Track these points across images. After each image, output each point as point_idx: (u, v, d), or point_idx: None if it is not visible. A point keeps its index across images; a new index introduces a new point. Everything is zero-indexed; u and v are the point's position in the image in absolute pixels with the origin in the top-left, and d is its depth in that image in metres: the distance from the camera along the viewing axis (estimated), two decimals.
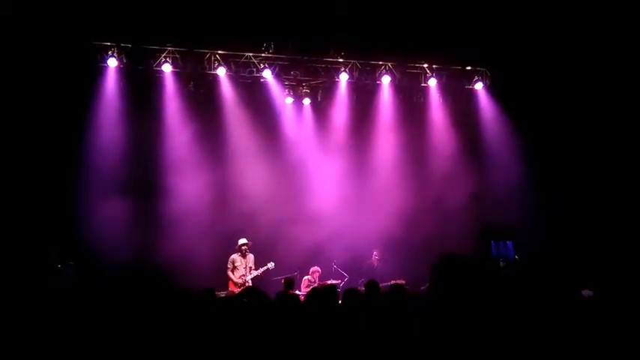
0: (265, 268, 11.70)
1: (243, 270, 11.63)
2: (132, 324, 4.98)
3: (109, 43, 12.07)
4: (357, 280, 11.98)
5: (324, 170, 13.30)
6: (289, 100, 13.50)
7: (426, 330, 2.65)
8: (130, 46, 12.21)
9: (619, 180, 11.88)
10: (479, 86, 13.59)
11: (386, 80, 13.29)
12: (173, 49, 12.37)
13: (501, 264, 8.98)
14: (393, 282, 11.06)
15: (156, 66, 12.36)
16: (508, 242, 8.83)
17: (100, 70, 12.15)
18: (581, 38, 11.40)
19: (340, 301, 6.34)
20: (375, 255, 12.56)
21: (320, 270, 11.94)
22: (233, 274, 11.61)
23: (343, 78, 13.11)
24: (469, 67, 13.62)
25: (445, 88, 13.72)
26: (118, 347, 4.67)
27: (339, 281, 11.51)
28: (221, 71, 12.61)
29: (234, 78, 12.93)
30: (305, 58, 12.98)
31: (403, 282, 11.49)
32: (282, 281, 10.89)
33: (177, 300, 5.67)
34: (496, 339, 2.48)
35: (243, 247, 11.70)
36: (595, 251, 11.09)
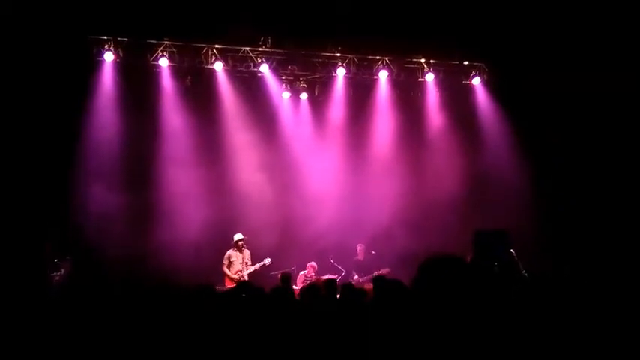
0: (262, 263, 11.70)
1: (239, 265, 11.62)
2: (129, 320, 4.98)
3: (105, 37, 12.03)
4: (348, 275, 12.02)
5: (321, 165, 13.31)
6: (286, 94, 13.49)
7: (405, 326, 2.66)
8: (126, 39, 12.17)
9: (620, 177, 11.83)
10: (476, 81, 13.57)
11: (383, 75, 13.26)
12: (170, 43, 12.33)
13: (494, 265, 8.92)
14: (376, 273, 11.17)
15: (153, 60, 12.34)
16: (500, 243, 8.74)
17: (96, 64, 12.11)
18: (579, 32, 11.37)
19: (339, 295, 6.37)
20: (360, 249, 12.54)
21: (316, 265, 11.96)
22: (229, 269, 11.60)
23: (340, 73, 13.07)
24: (466, 62, 13.60)
25: (442, 83, 13.70)
26: (116, 344, 4.67)
27: (336, 276, 11.52)
28: (218, 65, 12.57)
29: (232, 72, 12.90)
30: (302, 52, 12.96)
31: (387, 270, 11.51)
32: (279, 276, 10.90)
33: (174, 295, 5.68)
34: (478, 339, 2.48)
35: (239, 243, 11.68)
36: (593, 254, 11.04)
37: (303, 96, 13.61)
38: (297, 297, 6.75)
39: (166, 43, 12.31)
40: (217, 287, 10.30)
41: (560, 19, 11.43)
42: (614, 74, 11.08)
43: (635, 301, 3.89)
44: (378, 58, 13.24)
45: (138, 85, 12.50)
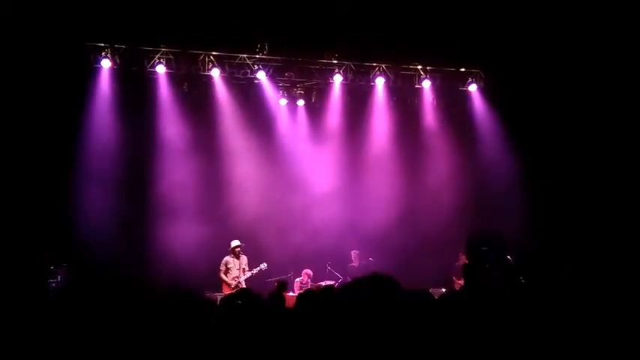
0: (258, 268, 11.70)
1: (236, 272, 11.62)
2: (125, 326, 4.96)
3: (102, 44, 12.04)
4: (344, 282, 12.00)
5: (318, 172, 13.31)
6: (283, 101, 13.50)
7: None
8: (123, 47, 12.18)
9: (620, 182, 11.83)
10: (473, 88, 13.60)
11: (380, 82, 13.29)
12: (167, 50, 12.34)
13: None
14: None
15: (150, 67, 12.33)
16: (491, 249, 8.74)
17: (93, 71, 12.11)
18: (575, 39, 11.41)
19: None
20: (355, 255, 12.52)
21: (311, 272, 11.94)
22: (226, 276, 11.59)
23: (337, 79, 13.08)
24: (463, 69, 13.64)
25: (439, 90, 13.72)
26: (110, 349, 4.65)
27: (333, 282, 11.50)
28: (215, 72, 12.58)
29: (229, 79, 12.90)
30: (299, 59, 12.97)
31: None
32: (275, 284, 10.89)
33: (171, 302, 5.65)
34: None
35: (236, 249, 11.68)
36: (593, 258, 11.03)
37: (300, 103, 13.62)
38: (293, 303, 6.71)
39: (163, 50, 12.32)
40: (215, 294, 10.37)
41: (557, 27, 11.47)
42: (609, 82, 11.11)
43: (635, 304, 3.88)
44: (374, 64, 13.27)
45: (135, 92, 12.50)
